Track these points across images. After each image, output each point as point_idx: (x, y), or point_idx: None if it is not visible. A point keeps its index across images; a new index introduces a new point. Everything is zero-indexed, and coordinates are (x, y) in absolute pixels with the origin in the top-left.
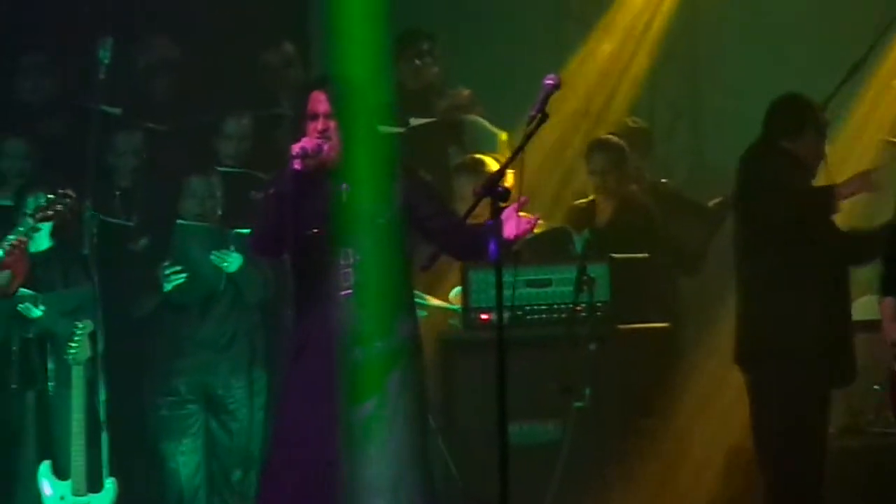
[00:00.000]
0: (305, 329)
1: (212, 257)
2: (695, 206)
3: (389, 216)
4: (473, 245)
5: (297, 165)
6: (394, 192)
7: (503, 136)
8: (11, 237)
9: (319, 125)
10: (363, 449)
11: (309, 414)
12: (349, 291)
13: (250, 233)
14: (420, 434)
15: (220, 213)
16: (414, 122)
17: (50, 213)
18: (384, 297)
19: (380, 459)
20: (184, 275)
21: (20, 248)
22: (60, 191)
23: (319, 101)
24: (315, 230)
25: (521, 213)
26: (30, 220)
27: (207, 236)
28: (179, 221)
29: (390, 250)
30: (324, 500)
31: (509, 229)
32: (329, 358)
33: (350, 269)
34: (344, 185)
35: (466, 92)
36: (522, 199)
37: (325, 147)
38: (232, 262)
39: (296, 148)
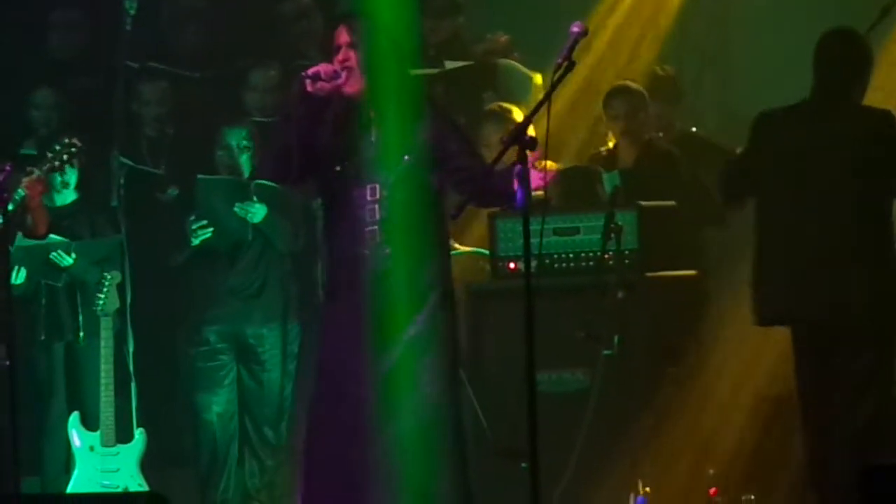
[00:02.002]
0: (334, 267)
1: (235, 209)
2: (724, 152)
3: (416, 154)
4: (500, 191)
5: (308, 88)
6: (421, 131)
7: (538, 78)
8: (24, 178)
9: (340, 55)
10: (393, 398)
11: (343, 359)
12: (374, 228)
13: (266, 158)
14: (449, 382)
15: (252, 164)
16: (450, 64)
17: (56, 163)
18: (410, 234)
19: (409, 408)
20: (210, 229)
21: (37, 189)
22: (66, 140)
23: (341, 33)
24: (340, 166)
25: (547, 164)
26: (38, 172)
27: (229, 189)
28: (199, 176)
29: (417, 189)
30: (365, 445)
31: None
32: (356, 296)
33: (376, 206)
34: (372, 123)
35: (504, 37)
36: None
37: (343, 75)
38: (256, 212)
39: (310, 70)
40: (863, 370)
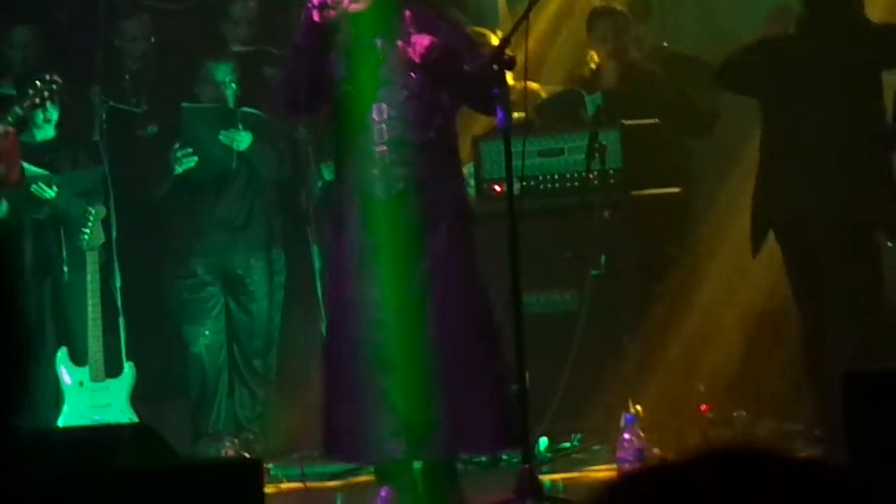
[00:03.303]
0: (345, 190)
1: (221, 137)
2: (702, 67)
3: (425, 67)
4: (488, 98)
5: (315, 17)
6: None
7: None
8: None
9: None
10: (417, 324)
11: (356, 285)
12: (384, 148)
13: (278, 92)
14: (480, 298)
15: (237, 95)
16: None
17: (37, 101)
18: (420, 153)
19: (435, 333)
20: (195, 157)
21: (10, 139)
22: (47, 77)
23: None
24: (347, 86)
25: (531, 84)
26: (18, 110)
27: (215, 117)
28: (185, 105)
29: (427, 106)
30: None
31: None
32: (367, 220)
33: (385, 126)
34: (379, 41)
35: None
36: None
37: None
38: (242, 140)
39: None
40: (857, 288)
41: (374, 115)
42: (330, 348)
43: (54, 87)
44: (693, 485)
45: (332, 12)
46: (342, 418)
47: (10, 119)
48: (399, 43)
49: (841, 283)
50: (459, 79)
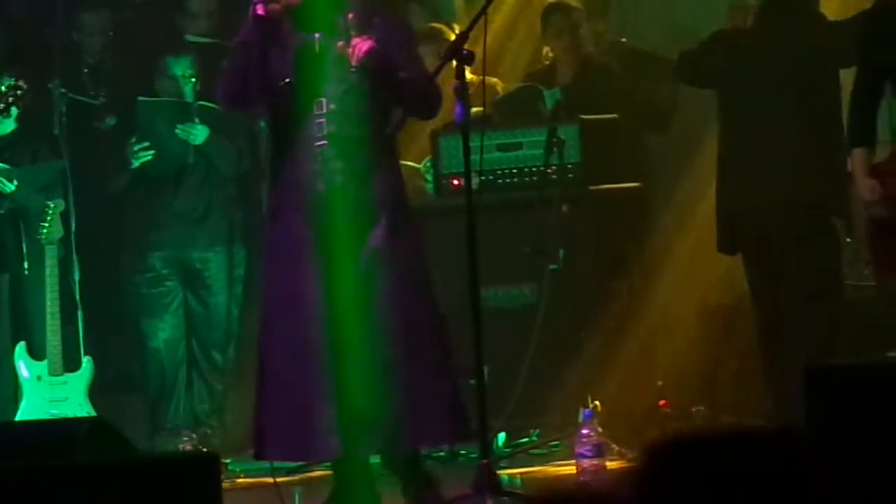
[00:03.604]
0: (281, 184)
1: (177, 131)
2: (658, 60)
3: (364, 64)
4: (437, 101)
5: (259, 11)
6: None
7: None
8: None
9: None
10: (356, 318)
11: (292, 280)
12: (324, 142)
13: (220, 84)
14: (423, 297)
15: (195, 92)
16: None
17: (1, 106)
18: (360, 148)
19: (376, 326)
20: (151, 151)
21: None
22: (11, 83)
23: None
24: (286, 80)
25: (489, 79)
26: None
27: (171, 111)
28: (141, 98)
29: (366, 100)
30: (316, 377)
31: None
32: (306, 214)
33: (324, 120)
34: (317, 35)
35: None
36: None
37: None
38: (198, 134)
39: None
40: (814, 276)
41: (315, 109)
42: (263, 345)
43: (19, 92)
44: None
45: (275, 6)
46: (276, 416)
47: None
48: (339, 43)
49: (798, 274)
50: (395, 86)
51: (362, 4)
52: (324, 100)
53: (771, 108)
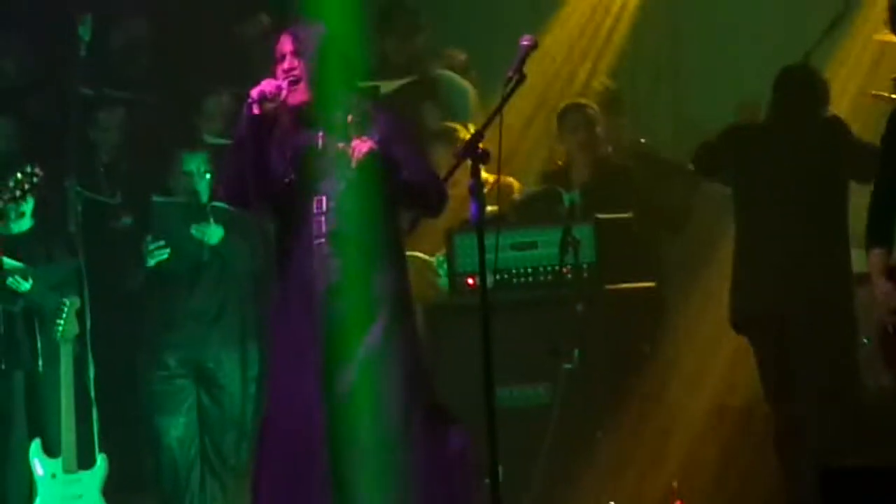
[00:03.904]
0: (284, 283)
1: (192, 231)
2: (674, 166)
3: (365, 163)
4: (441, 199)
5: (254, 110)
6: (369, 138)
7: (471, 90)
8: None
9: (285, 64)
10: (352, 418)
11: (293, 378)
12: (323, 240)
13: (220, 182)
14: (410, 397)
15: (211, 188)
16: (386, 85)
17: (17, 193)
18: (360, 246)
19: (370, 427)
20: (167, 250)
21: None
22: (28, 170)
23: (286, 42)
24: (288, 178)
25: (505, 178)
26: None
27: (185, 211)
28: (155, 199)
29: (368, 198)
30: (315, 477)
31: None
32: (307, 313)
33: (324, 218)
34: (320, 133)
35: (462, 55)
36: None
37: (286, 89)
38: (212, 234)
39: (254, 92)
40: (828, 375)
41: (314, 208)
42: (262, 443)
43: (35, 179)
44: None
45: (270, 105)
46: None
47: None
48: (340, 144)
49: (814, 376)
50: (396, 185)
51: (366, 103)
52: (323, 198)
53: (781, 211)
